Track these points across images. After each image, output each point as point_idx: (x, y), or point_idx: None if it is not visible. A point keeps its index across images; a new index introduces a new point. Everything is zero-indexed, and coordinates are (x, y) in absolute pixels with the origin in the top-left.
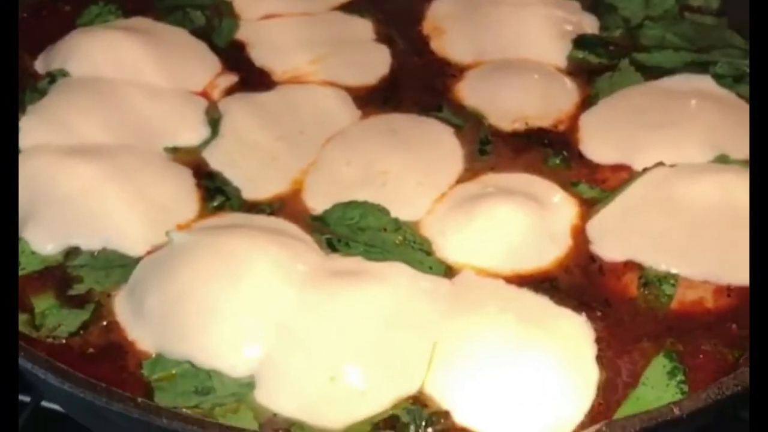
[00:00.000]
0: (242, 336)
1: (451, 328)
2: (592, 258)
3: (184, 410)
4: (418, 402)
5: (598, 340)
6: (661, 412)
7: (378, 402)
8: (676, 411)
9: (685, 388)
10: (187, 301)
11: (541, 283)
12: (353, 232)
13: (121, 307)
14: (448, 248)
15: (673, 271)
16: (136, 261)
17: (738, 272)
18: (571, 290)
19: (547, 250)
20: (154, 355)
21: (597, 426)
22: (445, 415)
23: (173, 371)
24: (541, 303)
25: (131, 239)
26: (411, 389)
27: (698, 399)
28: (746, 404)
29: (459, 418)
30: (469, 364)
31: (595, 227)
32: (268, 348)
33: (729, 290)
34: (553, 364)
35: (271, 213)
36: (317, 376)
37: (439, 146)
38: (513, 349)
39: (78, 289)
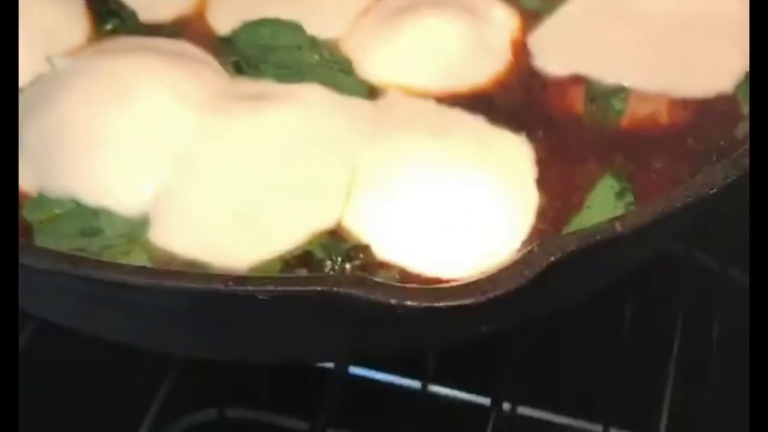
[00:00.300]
0: (132, 168)
1: (373, 153)
2: (534, 73)
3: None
4: (335, 236)
5: (539, 162)
6: (600, 229)
7: (289, 237)
8: (618, 227)
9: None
10: (67, 130)
11: (476, 102)
12: (264, 53)
13: None
14: (371, 67)
15: (624, 83)
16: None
17: (695, 84)
18: (509, 110)
19: (484, 66)
20: (35, 195)
21: (529, 247)
22: (365, 249)
23: (56, 211)
24: (476, 123)
25: None
26: (327, 222)
27: (643, 213)
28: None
29: (380, 253)
30: (391, 191)
31: (537, 40)
32: (162, 181)
33: (685, 103)
34: (486, 187)
35: (172, 36)
36: (219, 210)
37: None
38: (442, 173)
39: None
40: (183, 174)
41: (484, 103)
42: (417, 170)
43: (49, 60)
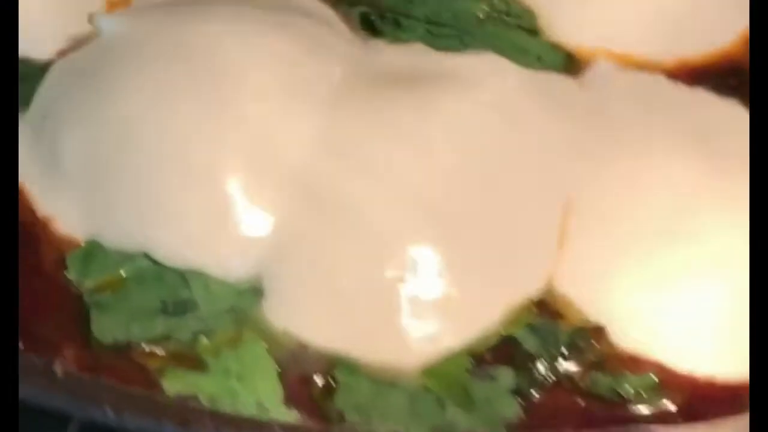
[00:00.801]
0: (237, 203)
1: (593, 173)
2: None
3: (142, 349)
4: (547, 311)
5: None
6: None
7: (480, 315)
8: None
9: None
10: (134, 142)
11: (723, 75)
12: (406, 2)
13: (24, 155)
14: (565, 22)
15: None
16: (43, 69)
17: None
18: None
19: (730, 20)
20: (84, 243)
21: None
22: (597, 333)
23: (121, 273)
24: (732, 112)
25: (32, 32)
26: (533, 287)
27: None
28: None
29: (622, 339)
30: (630, 238)
31: None
32: (281, 225)
33: None
34: None
35: None
36: (372, 274)
37: None
38: (703, 209)
39: None
40: (310, 210)
41: (735, 77)
42: (664, 205)
43: (92, 20)
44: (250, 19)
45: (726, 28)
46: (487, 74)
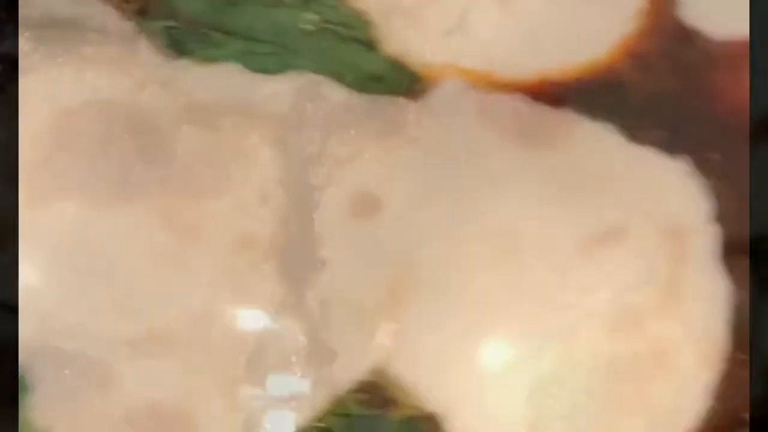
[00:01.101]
0: None
1: (434, 227)
2: (687, 34)
3: None
4: (375, 393)
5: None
6: None
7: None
8: None
9: None
10: None
11: (597, 95)
12: (217, 12)
13: None
14: (408, 32)
15: None
16: None
17: None
18: (654, 105)
19: (602, 27)
20: None
21: None
22: (430, 423)
23: None
24: (605, 142)
25: None
26: (358, 369)
27: None
28: None
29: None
30: (477, 311)
31: None
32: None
33: None
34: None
35: None
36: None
37: None
38: (571, 277)
39: None
40: (83, 279)
41: (611, 94)
42: (534, 267)
43: None
44: (25, 42)
45: (600, 36)
46: (301, 102)
